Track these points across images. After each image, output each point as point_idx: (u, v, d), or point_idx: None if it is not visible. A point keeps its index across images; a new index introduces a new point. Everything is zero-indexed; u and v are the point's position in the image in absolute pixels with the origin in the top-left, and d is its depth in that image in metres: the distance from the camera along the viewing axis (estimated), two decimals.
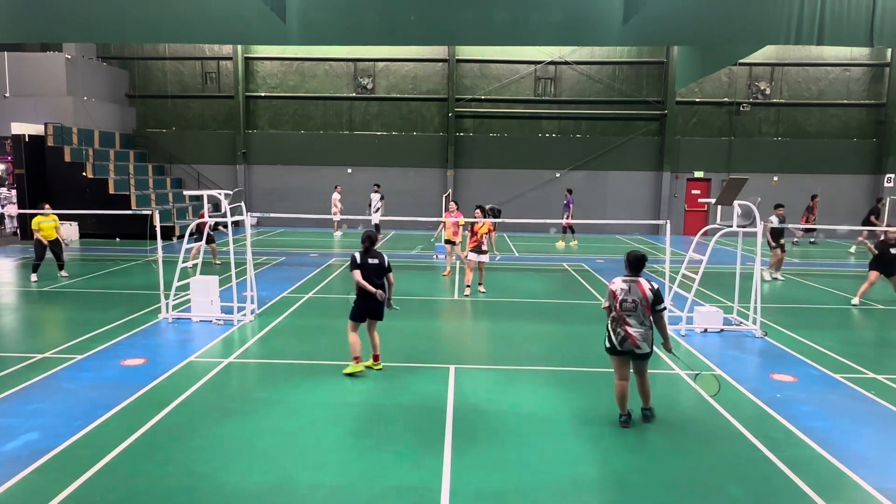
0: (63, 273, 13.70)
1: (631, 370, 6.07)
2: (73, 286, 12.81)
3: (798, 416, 6.39)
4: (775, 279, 14.54)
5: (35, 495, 4.68)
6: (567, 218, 20.87)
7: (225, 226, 10.77)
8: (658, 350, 8.71)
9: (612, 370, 6.15)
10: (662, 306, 5.91)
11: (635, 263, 5.99)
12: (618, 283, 5.95)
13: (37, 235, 13.29)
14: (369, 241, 7.54)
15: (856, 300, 11.98)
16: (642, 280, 5.92)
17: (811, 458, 5.50)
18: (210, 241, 14.33)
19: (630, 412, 6.08)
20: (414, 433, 5.89)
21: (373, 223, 20.61)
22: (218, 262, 14.70)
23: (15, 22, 11.66)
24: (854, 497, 4.91)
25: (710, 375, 6.40)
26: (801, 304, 12.14)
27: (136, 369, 7.57)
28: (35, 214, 13.52)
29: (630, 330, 5.81)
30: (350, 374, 7.41)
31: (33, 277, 13.16)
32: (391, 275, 7.62)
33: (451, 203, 14.25)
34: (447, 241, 14.47)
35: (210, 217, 12.13)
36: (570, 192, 21.98)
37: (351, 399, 6.74)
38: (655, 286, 5.91)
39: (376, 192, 21.78)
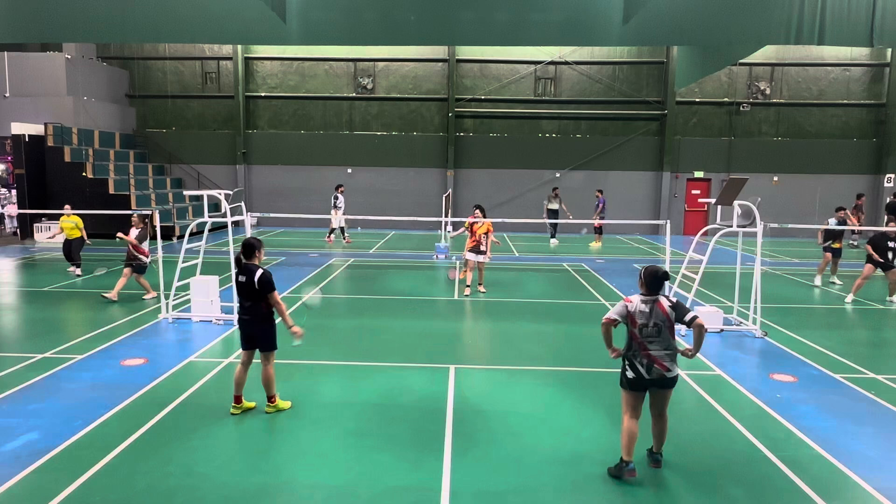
0: (76, 270, 14.00)
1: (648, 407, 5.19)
2: (73, 286, 12.81)
3: (798, 416, 6.39)
4: (832, 283, 13.88)
5: (35, 495, 4.68)
6: (599, 218, 20.79)
7: (215, 223, 10.62)
8: None
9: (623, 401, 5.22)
10: (693, 315, 5.00)
11: (655, 283, 5.03)
12: (636, 304, 5.01)
13: (59, 232, 14.08)
14: (243, 249, 6.19)
15: (849, 298, 12.07)
16: (661, 298, 5.04)
17: (811, 458, 5.50)
18: (140, 270, 11.61)
19: (633, 461, 5.07)
20: (414, 433, 5.89)
21: (337, 225, 20.50)
22: (150, 294, 11.64)
23: (15, 22, 11.66)
24: (854, 497, 4.91)
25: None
26: (801, 304, 12.14)
27: (136, 369, 7.57)
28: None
29: (654, 354, 4.97)
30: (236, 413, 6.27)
31: (72, 269, 13.96)
32: (273, 296, 6.09)
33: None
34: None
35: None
36: (601, 192, 21.76)
37: (351, 399, 6.74)
38: (674, 299, 5.12)
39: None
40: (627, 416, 5.10)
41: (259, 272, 6.07)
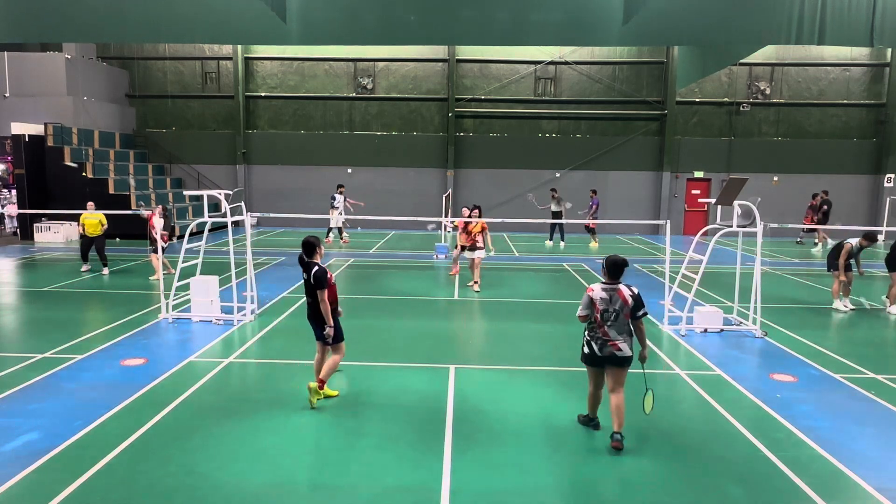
0: (104, 271, 14.21)
1: (605, 385, 5.77)
2: (73, 286, 12.81)
3: (798, 416, 6.38)
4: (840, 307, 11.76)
5: (35, 495, 4.68)
6: (592, 218, 20.72)
7: (218, 227, 10.66)
8: (656, 349, 8.73)
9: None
10: (642, 312, 5.60)
11: (615, 270, 5.61)
12: (597, 292, 5.59)
13: (80, 231, 14.38)
14: (304, 248, 6.38)
15: (892, 308, 11.32)
16: (622, 286, 5.60)
17: (811, 458, 5.50)
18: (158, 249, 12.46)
19: (598, 419, 5.96)
20: (414, 433, 5.89)
21: (335, 224, 20.39)
22: (166, 272, 12.59)
23: (15, 22, 11.65)
24: (854, 497, 4.91)
25: (650, 393, 5.82)
26: (801, 304, 12.14)
27: (136, 369, 7.57)
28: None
29: (610, 335, 5.56)
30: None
31: (85, 268, 14.29)
32: (321, 293, 6.22)
33: (464, 209, 13.96)
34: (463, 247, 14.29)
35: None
36: (594, 192, 21.64)
37: (351, 399, 6.74)
38: (636, 291, 5.60)
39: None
40: (591, 386, 5.92)
41: (315, 269, 6.28)
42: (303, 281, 6.56)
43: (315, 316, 6.48)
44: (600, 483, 5.03)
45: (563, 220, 19.32)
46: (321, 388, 6.51)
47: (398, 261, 17.26)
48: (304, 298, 6.59)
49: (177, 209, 22.58)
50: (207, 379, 7.29)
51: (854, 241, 11.62)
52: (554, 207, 21.19)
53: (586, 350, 5.74)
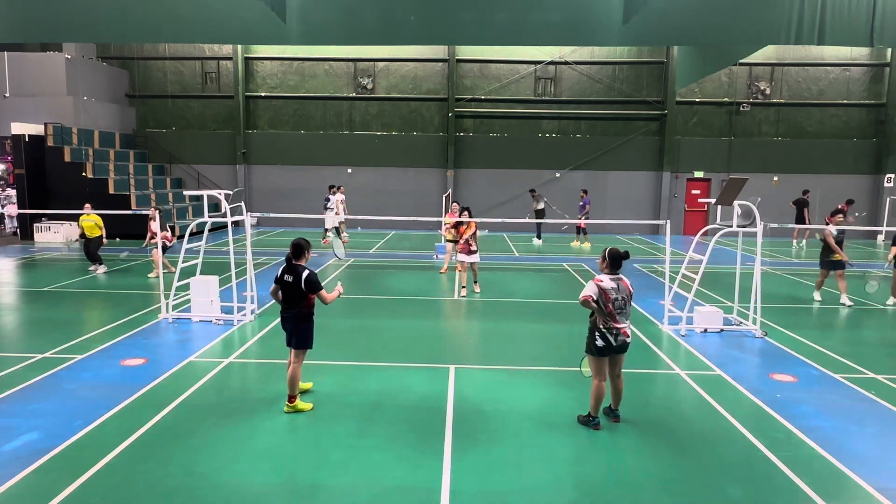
0: (101, 269, 14.32)
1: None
2: (73, 286, 12.81)
3: (798, 416, 6.38)
4: (841, 304, 11.88)
5: (35, 495, 4.68)
6: (583, 218, 20.77)
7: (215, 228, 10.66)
8: (656, 349, 8.74)
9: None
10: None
11: (617, 261, 5.97)
12: (607, 282, 5.87)
13: (79, 233, 14.75)
14: (293, 250, 6.23)
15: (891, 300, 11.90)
16: (623, 276, 5.99)
17: (811, 458, 5.50)
18: (162, 249, 12.37)
19: (598, 418, 6.07)
20: (414, 433, 5.89)
21: (331, 225, 20.40)
22: (166, 271, 12.72)
23: (15, 22, 11.66)
24: (854, 497, 4.91)
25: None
26: (801, 304, 12.14)
27: (136, 369, 7.57)
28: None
29: (621, 323, 5.86)
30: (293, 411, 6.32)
31: (94, 268, 14.31)
32: (322, 293, 6.19)
33: (454, 204, 14.33)
34: (449, 241, 14.46)
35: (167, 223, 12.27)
36: (585, 192, 21.71)
37: (351, 399, 6.73)
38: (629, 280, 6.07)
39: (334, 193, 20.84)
40: (597, 380, 5.98)
41: (306, 272, 6.16)
42: (282, 283, 6.23)
43: (295, 320, 6.25)
44: (600, 483, 5.03)
45: (545, 220, 19.73)
46: (293, 402, 6.29)
47: (398, 261, 17.26)
48: (287, 302, 6.30)
49: (177, 209, 22.60)
50: (207, 379, 7.29)
51: (831, 228, 11.65)
52: (539, 206, 21.70)
53: (601, 343, 5.83)
